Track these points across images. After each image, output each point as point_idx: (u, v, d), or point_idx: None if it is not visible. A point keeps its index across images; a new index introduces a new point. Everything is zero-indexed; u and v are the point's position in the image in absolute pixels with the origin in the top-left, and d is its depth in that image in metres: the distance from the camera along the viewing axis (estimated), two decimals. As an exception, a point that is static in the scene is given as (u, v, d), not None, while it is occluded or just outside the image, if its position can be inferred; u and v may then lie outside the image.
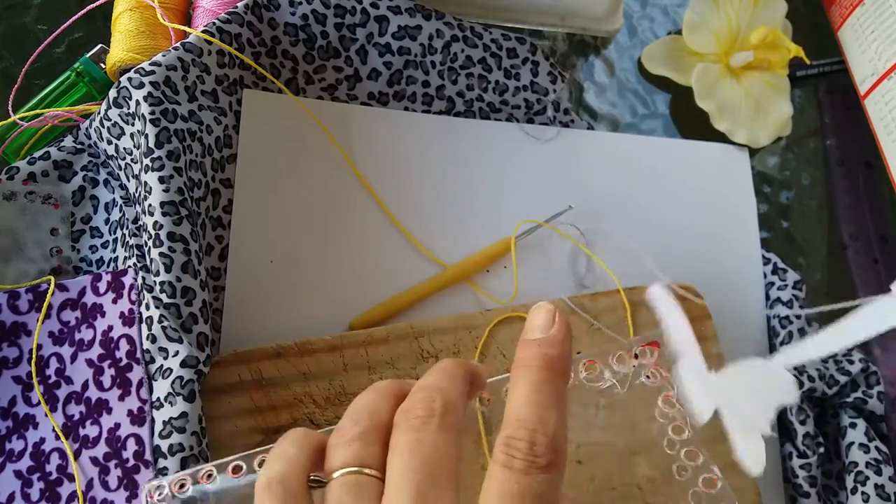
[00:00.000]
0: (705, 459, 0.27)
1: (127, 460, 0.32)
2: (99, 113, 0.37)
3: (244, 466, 0.25)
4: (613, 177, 0.45)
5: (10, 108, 0.39)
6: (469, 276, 0.40)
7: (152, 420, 0.32)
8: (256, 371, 0.35)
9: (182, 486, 0.25)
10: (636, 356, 0.27)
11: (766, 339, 0.43)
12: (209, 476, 0.25)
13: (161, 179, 0.33)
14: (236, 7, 0.38)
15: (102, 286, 0.35)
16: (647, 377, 0.27)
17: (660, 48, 0.48)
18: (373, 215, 0.40)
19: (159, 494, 0.25)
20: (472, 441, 0.33)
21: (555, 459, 0.21)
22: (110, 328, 0.34)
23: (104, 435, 0.33)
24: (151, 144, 0.34)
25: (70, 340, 0.35)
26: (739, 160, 0.47)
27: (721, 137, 0.46)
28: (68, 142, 0.39)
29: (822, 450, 0.40)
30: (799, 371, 0.40)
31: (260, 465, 0.25)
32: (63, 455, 0.33)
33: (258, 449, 0.25)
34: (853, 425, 0.41)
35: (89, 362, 0.34)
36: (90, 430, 0.33)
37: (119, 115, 0.35)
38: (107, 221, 0.38)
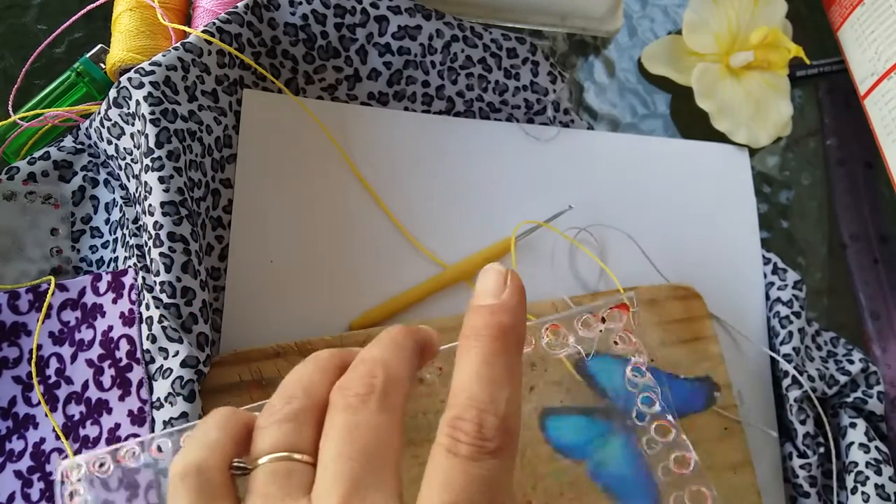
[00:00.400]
0: (677, 436, 0.25)
1: (127, 460, 0.32)
2: (99, 113, 0.37)
3: (169, 444, 0.23)
4: (613, 177, 0.45)
5: (10, 108, 0.39)
6: (469, 276, 0.40)
7: (152, 420, 0.32)
8: (256, 371, 0.35)
9: (102, 465, 0.23)
10: (603, 320, 0.25)
11: (766, 339, 0.43)
12: (133, 454, 0.23)
13: (161, 179, 0.33)
14: (236, 7, 0.38)
15: (102, 286, 0.35)
16: (616, 342, 0.25)
17: (660, 48, 0.48)
18: (373, 215, 0.40)
19: (77, 474, 0.23)
20: (425, 416, 0.29)
21: (506, 442, 0.19)
22: (110, 328, 0.34)
23: (104, 435, 0.33)
24: (151, 144, 0.34)
25: (70, 340, 0.35)
26: (739, 160, 0.47)
27: (721, 137, 0.46)
28: (68, 142, 0.39)
29: (822, 450, 0.40)
30: (799, 371, 0.41)
31: None
32: (63, 455, 0.33)
33: (186, 425, 0.23)
34: (853, 425, 0.41)
35: (89, 362, 0.34)
36: (90, 431, 0.33)
37: (119, 115, 0.35)
38: (107, 221, 0.38)
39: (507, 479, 0.19)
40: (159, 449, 0.23)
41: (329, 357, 0.22)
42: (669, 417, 0.25)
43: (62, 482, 0.23)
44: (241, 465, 0.20)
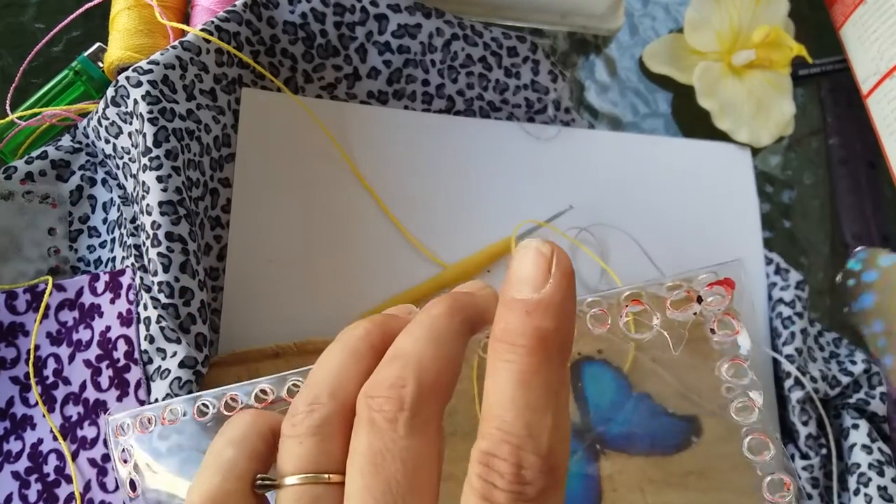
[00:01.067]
0: (777, 452, 0.20)
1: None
2: (97, 112, 0.36)
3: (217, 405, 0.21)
4: (614, 176, 0.44)
5: (7, 107, 0.39)
6: (469, 276, 0.40)
7: (150, 421, 0.32)
8: (255, 371, 0.34)
9: (148, 422, 0.21)
10: (700, 299, 0.19)
11: (768, 340, 0.43)
12: (177, 415, 0.21)
13: (159, 179, 0.33)
14: (235, 5, 0.38)
15: (100, 286, 0.35)
16: (713, 330, 0.19)
17: (661, 47, 0.47)
18: (372, 215, 0.40)
19: (125, 432, 0.22)
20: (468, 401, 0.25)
21: (551, 483, 0.15)
22: (108, 328, 0.34)
23: (102, 436, 0.33)
24: (149, 143, 0.33)
25: (68, 341, 0.34)
26: (741, 159, 0.47)
27: (723, 137, 0.46)
28: (66, 141, 0.38)
29: (824, 451, 0.40)
30: (801, 372, 0.40)
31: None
32: (61, 456, 0.33)
33: (228, 387, 0.21)
34: (855, 426, 0.40)
35: (87, 363, 0.34)
36: (88, 431, 0.33)
37: (117, 113, 0.35)
38: (105, 221, 0.38)
39: None
40: (202, 412, 0.21)
41: (363, 336, 0.19)
42: (769, 429, 0.20)
43: (115, 439, 0.22)
44: (268, 480, 0.18)
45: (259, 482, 0.18)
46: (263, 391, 0.20)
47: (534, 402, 0.16)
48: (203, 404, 0.21)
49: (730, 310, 0.19)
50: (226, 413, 0.21)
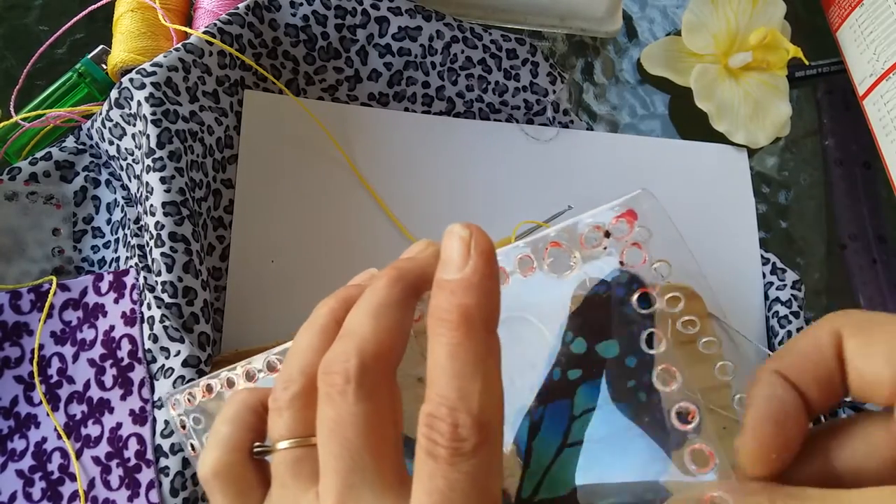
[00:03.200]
0: (682, 385, 0.21)
1: (128, 459, 0.32)
2: (100, 113, 0.37)
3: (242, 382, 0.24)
4: (613, 177, 0.45)
5: (11, 109, 0.40)
6: (469, 276, 0.40)
7: (154, 419, 0.32)
8: (257, 370, 0.35)
9: (192, 397, 0.24)
10: (608, 234, 0.20)
11: (764, 339, 0.43)
12: (222, 386, 0.24)
13: (162, 180, 0.33)
14: (237, 8, 0.38)
15: (104, 286, 0.35)
16: (622, 262, 0.20)
17: (659, 49, 0.48)
18: (373, 215, 0.40)
19: (179, 408, 0.24)
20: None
21: (484, 437, 0.17)
22: (112, 328, 0.34)
23: (106, 434, 0.33)
24: (153, 145, 0.34)
25: (72, 340, 0.35)
26: (738, 161, 0.47)
27: (720, 138, 0.47)
28: (70, 142, 0.39)
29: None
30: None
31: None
32: (65, 454, 0.33)
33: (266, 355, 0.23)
34: (852, 424, 0.41)
35: (91, 362, 0.34)
36: (92, 430, 0.33)
37: (120, 115, 0.36)
38: (108, 221, 0.38)
39: (491, 473, 0.18)
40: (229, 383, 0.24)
41: (327, 313, 0.21)
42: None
43: (172, 415, 0.25)
44: (263, 447, 0.21)
45: (256, 449, 0.21)
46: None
47: (463, 371, 0.18)
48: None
49: (638, 239, 0.20)
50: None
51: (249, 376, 0.23)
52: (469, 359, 0.18)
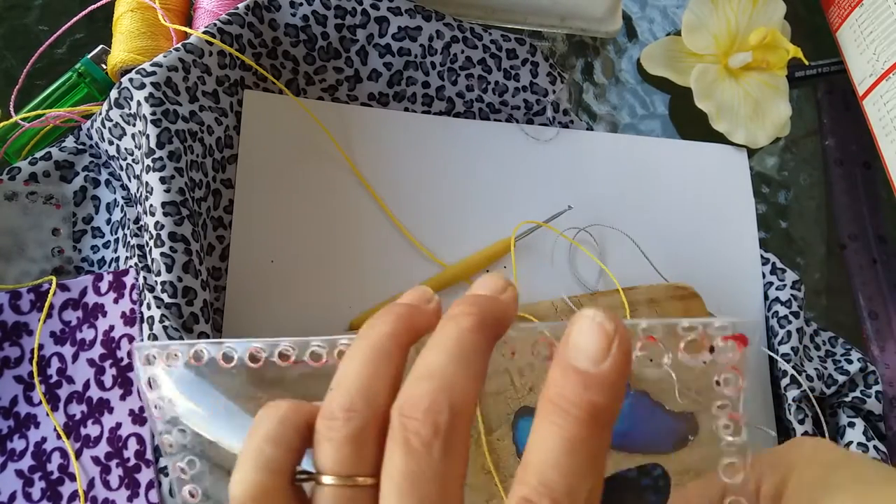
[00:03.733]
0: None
1: (128, 459, 0.32)
2: (100, 113, 0.37)
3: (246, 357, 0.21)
4: (613, 177, 0.45)
5: (11, 109, 0.40)
6: (469, 276, 0.40)
7: (154, 420, 0.32)
8: (257, 370, 0.35)
9: (175, 356, 0.22)
10: (712, 349, 0.20)
11: (764, 339, 0.43)
12: (205, 355, 0.21)
13: (162, 180, 0.33)
14: (237, 8, 0.38)
15: (104, 286, 0.35)
16: (718, 382, 0.20)
17: (659, 49, 0.48)
18: (373, 215, 0.40)
19: (153, 364, 0.22)
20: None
21: None
22: (112, 328, 0.34)
23: (105, 434, 0.33)
24: (153, 145, 0.34)
25: (71, 340, 0.35)
26: (738, 161, 0.47)
27: (720, 138, 0.47)
28: (70, 142, 0.39)
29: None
30: (798, 370, 0.41)
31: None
32: (64, 454, 0.33)
33: (267, 341, 0.21)
34: (851, 424, 0.41)
35: (91, 362, 0.34)
36: (91, 430, 0.33)
37: (120, 115, 0.36)
38: (108, 221, 0.38)
39: None
40: (227, 357, 0.21)
41: (391, 335, 0.19)
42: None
43: (141, 367, 0.22)
44: (306, 473, 0.19)
45: (298, 477, 0.19)
46: (285, 353, 0.21)
47: (577, 468, 0.17)
48: (229, 348, 0.22)
49: (738, 365, 0.20)
50: (251, 364, 0.21)
51: (254, 359, 0.21)
52: (586, 457, 0.17)
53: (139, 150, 0.35)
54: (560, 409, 0.17)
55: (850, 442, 0.40)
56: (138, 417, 0.33)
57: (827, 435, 0.41)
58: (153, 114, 0.34)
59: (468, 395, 0.18)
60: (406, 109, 0.43)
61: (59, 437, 0.33)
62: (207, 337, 0.33)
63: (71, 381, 0.34)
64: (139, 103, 0.34)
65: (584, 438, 0.17)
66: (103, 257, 0.38)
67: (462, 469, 0.18)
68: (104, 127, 0.37)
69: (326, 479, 0.18)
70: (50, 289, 0.35)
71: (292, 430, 0.19)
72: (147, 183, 0.34)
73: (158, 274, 0.33)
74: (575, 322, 0.18)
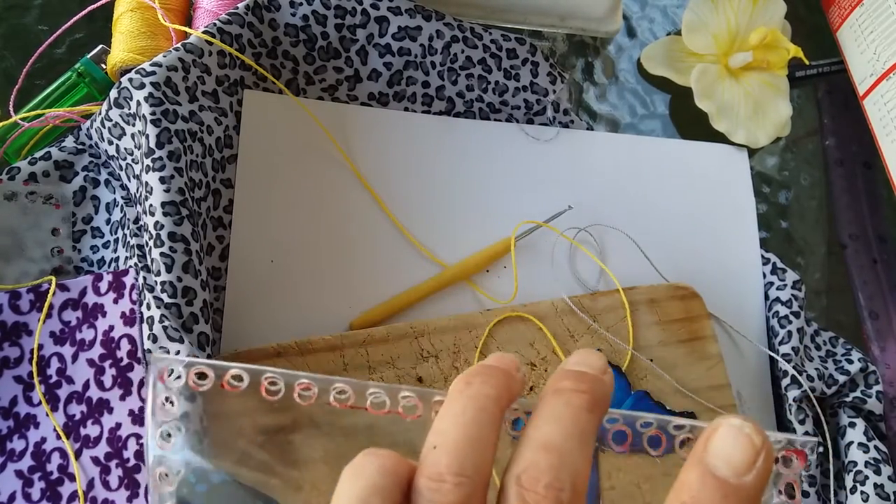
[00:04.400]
0: None
1: (128, 460, 0.32)
2: (100, 113, 0.37)
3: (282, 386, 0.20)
4: (613, 177, 0.45)
5: (11, 109, 0.40)
6: (469, 275, 0.40)
7: (153, 419, 0.32)
8: (257, 371, 0.35)
9: (202, 377, 0.20)
10: (777, 460, 0.21)
11: (765, 339, 0.43)
12: (238, 380, 0.20)
13: (162, 180, 0.33)
14: (237, 8, 0.38)
15: (103, 286, 0.35)
16: (780, 491, 0.21)
17: (659, 49, 0.48)
18: (373, 215, 0.40)
19: (172, 378, 0.21)
20: None
21: None
22: (111, 328, 0.34)
23: (105, 434, 0.33)
24: (152, 145, 0.34)
25: (71, 340, 0.35)
26: (738, 160, 0.47)
27: (720, 138, 0.47)
28: (69, 142, 0.39)
29: (821, 449, 0.40)
30: (798, 370, 0.41)
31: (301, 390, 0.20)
32: (64, 455, 0.33)
33: (287, 372, 0.20)
34: (852, 424, 0.41)
35: (90, 362, 0.34)
36: (91, 430, 0.33)
37: (120, 115, 0.36)
38: (108, 221, 0.38)
39: None
40: (271, 393, 0.20)
41: (496, 399, 0.19)
42: None
43: (154, 383, 0.20)
44: None
45: None
46: (342, 391, 0.20)
47: None
48: (271, 382, 0.21)
49: (797, 479, 0.21)
50: (297, 400, 0.20)
51: (271, 392, 0.20)
52: None
53: (139, 149, 0.35)
54: None
55: (851, 442, 0.40)
56: (138, 418, 0.33)
57: (828, 435, 0.41)
58: (153, 114, 0.34)
59: (585, 474, 0.18)
60: (406, 109, 0.43)
61: (58, 437, 0.33)
62: (207, 337, 0.33)
63: (70, 381, 0.34)
64: (139, 103, 0.34)
65: None
66: (103, 257, 0.38)
67: None
68: (104, 127, 0.37)
69: None
70: (49, 289, 0.35)
71: (397, 485, 0.18)
72: (147, 183, 0.34)
73: (158, 274, 0.33)
74: (719, 428, 0.18)
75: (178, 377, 0.21)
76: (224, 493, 0.22)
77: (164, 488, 0.21)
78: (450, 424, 0.18)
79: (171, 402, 0.21)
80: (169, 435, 0.21)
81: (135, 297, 0.34)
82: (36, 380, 0.34)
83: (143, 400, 0.33)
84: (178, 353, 0.32)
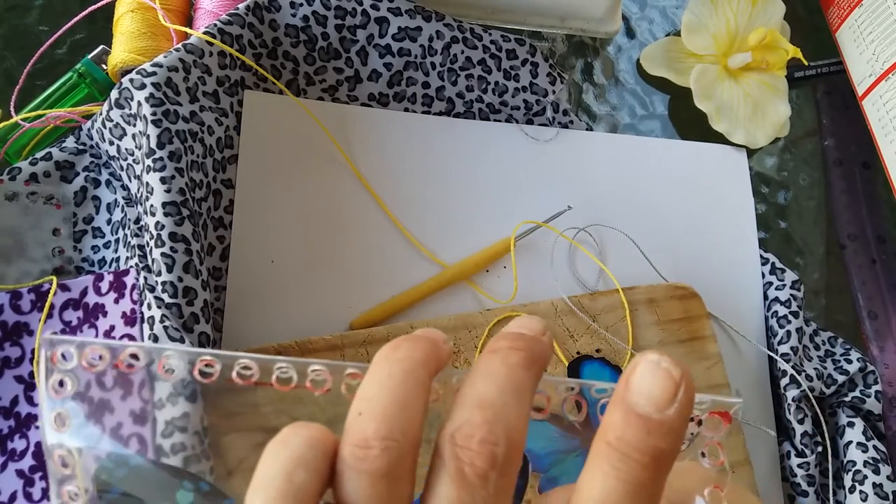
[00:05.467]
0: None
1: (129, 459, 0.32)
2: (101, 114, 0.37)
3: (183, 367, 0.19)
4: (612, 177, 0.45)
5: (12, 109, 0.40)
6: (469, 275, 0.40)
7: (154, 420, 0.32)
8: (257, 370, 0.35)
9: (98, 359, 0.19)
10: (700, 423, 0.21)
11: (764, 339, 0.43)
12: (135, 360, 0.19)
13: (163, 180, 0.33)
14: (237, 8, 0.38)
15: (104, 286, 0.35)
16: (703, 454, 0.21)
17: (658, 49, 0.48)
18: (373, 215, 0.40)
19: (66, 363, 0.19)
20: None
21: None
22: (112, 328, 0.34)
23: (106, 434, 0.33)
24: (153, 145, 0.34)
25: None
26: (737, 161, 0.47)
27: (719, 138, 0.47)
28: (70, 142, 0.39)
29: (820, 449, 0.40)
30: (797, 370, 0.41)
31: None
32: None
33: (197, 350, 0.19)
34: (851, 424, 0.41)
35: (91, 362, 0.34)
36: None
37: (121, 115, 0.36)
38: (109, 222, 0.38)
39: None
40: (169, 371, 0.19)
41: (424, 362, 0.18)
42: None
43: (48, 367, 0.19)
44: None
45: None
46: (247, 367, 0.19)
47: None
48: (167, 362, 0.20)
49: (721, 441, 0.21)
50: (200, 379, 0.19)
51: (168, 371, 0.19)
52: (645, 500, 0.17)
53: (140, 150, 0.35)
54: (621, 454, 0.17)
55: (850, 441, 0.40)
56: (138, 418, 0.33)
57: (827, 434, 0.41)
58: (154, 114, 0.34)
59: (521, 429, 0.17)
60: (406, 110, 0.43)
61: (59, 436, 0.33)
62: (208, 337, 0.33)
63: (71, 381, 0.34)
64: (140, 104, 0.34)
65: (644, 483, 0.17)
66: (104, 257, 0.38)
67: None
68: (104, 127, 0.37)
69: None
70: (50, 289, 0.35)
71: (323, 455, 0.17)
72: (147, 183, 0.34)
73: (159, 274, 0.33)
74: (637, 365, 0.18)
75: (70, 357, 0.20)
76: (144, 475, 0.21)
77: (63, 472, 0.20)
78: (376, 390, 0.18)
79: (63, 385, 0.20)
80: (63, 417, 0.20)
81: (136, 297, 0.34)
82: (37, 379, 0.34)
83: (143, 400, 0.33)
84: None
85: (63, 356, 0.19)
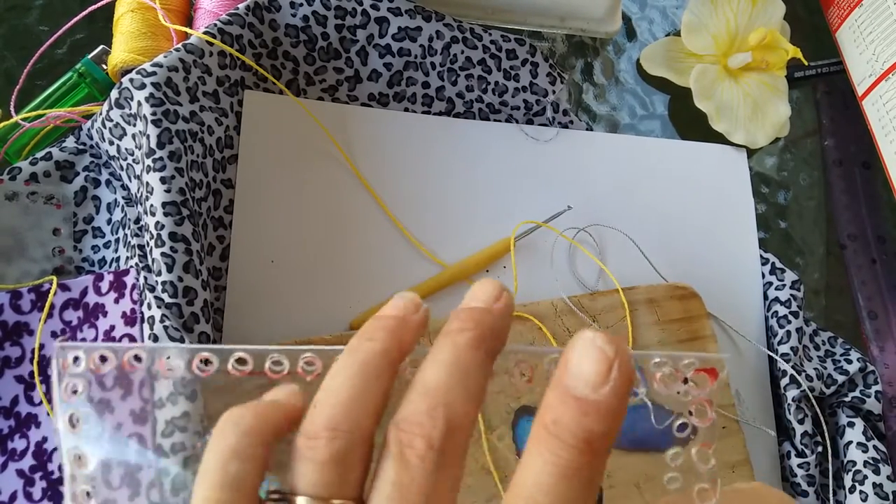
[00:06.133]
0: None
1: (129, 459, 0.32)
2: (101, 114, 0.37)
3: (182, 365, 0.20)
4: (612, 177, 0.45)
5: (12, 109, 0.40)
6: (469, 275, 0.40)
7: (154, 420, 0.33)
8: (257, 370, 0.35)
9: (103, 360, 0.20)
10: (686, 380, 0.20)
11: (763, 339, 0.43)
12: (138, 361, 0.20)
13: (163, 180, 0.33)
14: (237, 8, 0.38)
15: (104, 286, 0.35)
16: (690, 412, 0.20)
17: (658, 49, 0.48)
18: (373, 215, 0.40)
19: (75, 367, 0.20)
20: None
21: None
22: (112, 328, 0.34)
23: (106, 434, 0.33)
24: (153, 145, 0.34)
25: (72, 340, 0.35)
26: (737, 161, 0.47)
27: (719, 138, 0.47)
28: (70, 142, 0.39)
29: (820, 449, 0.40)
30: (797, 370, 0.41)
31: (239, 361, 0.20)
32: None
33: (198, 346, 0.20)
34: (851, 424, 0.41)
35: (91, 362, 0.34)
36: (92, 430, 0.33)
37: (121, 115, 0.36)
38: (109, 221, 0.38)
39: None
40: (170, 369, 0.20)
41: (381, 353, 0.19)
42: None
43: (59, 374, 0.20)
44: (278, 494, 0.18)
45: (270, 497, 0.18)
46: (241, 360, 0.20)
47: (573, 496, 0.17)
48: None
49: (709, 397, 0.21)
50: (198, 373, 0.20)
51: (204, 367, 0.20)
52: (579, 484, 0.17)
53: (140, 150, 0.35)
54: (556, 438, 0.17)
55: (850, 442, 0.40)
56: (139, 417, 0.33)
57: (827, 435, 0.41)
58: (153, 114, 0.34)
59: (467, 410, 0.18)
60: (406, 110, 0.43)
61: (59, 436, 0.33)
62: (208, 337, 0.33)
63: (71, 380, 0.34)
64: (140, 103, 0.34)
65: (579, 466, 0.17)
66: (104, 257, 0.38)
67: (456, 485, 0.17)
68: (104, 127, 0.37)
69: (301, 501, 0.17)
70: (51, 289, 0.35)
71: (259, 443, 0.18)
72: (147, 183, 0.34)
73: (159, 274, 0.33)
74: (573, 345, 0.17)
75: (80, 362, 0.20)
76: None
77: (79, 471, 0.21)
78: (333, 381, 0.18)
79: (74, 388, 0.21)
80: (77, 420, 0.21)
81: (136, 296, 0.34)
82: (37, 379, 0.34)
83: (143, 400, 0.33)
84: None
85: (74, 360, 0.20)
